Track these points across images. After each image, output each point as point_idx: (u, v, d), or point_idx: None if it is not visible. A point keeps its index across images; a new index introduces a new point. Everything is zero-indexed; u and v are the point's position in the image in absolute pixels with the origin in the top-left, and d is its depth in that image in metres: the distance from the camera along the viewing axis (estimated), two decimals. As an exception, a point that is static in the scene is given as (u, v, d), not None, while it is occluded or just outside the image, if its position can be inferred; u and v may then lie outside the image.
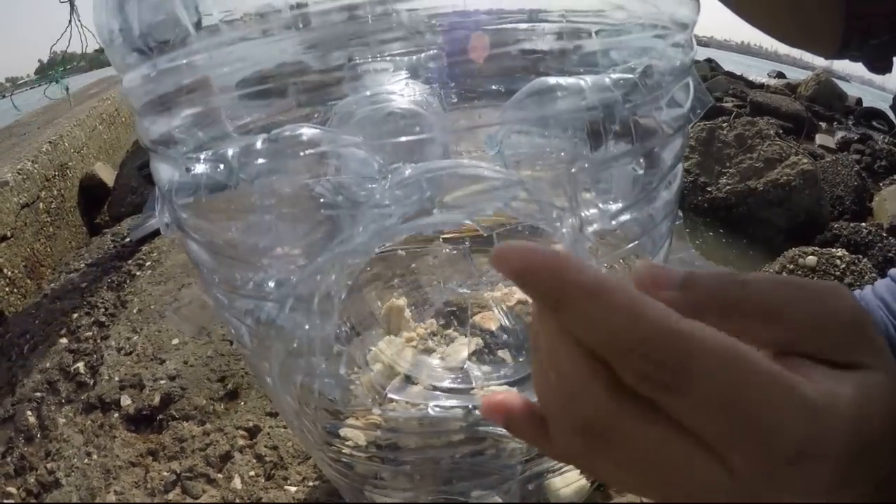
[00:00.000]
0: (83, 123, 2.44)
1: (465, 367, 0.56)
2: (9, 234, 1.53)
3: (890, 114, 4.08)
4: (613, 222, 0.36)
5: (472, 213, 0.33)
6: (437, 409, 0.50)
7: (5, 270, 1.47)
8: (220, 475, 0.78)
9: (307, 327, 0.36)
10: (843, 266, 1.45)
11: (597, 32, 0.36)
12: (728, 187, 2.20)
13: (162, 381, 0.95)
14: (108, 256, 1.52)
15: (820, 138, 3.32)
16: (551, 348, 0.18)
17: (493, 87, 0.37)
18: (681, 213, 0.48)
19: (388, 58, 0.34)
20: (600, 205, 0.36)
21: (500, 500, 0.50)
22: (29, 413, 0.96)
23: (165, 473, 0.80)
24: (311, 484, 0.75)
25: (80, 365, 1.05)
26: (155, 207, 0.42)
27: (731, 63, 6.94)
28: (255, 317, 0.40)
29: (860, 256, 1.52)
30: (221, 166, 0.33)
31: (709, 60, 5.81)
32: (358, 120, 0.33)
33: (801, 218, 2.11)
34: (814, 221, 2.11)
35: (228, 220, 0.38)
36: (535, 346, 0.19)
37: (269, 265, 0.38)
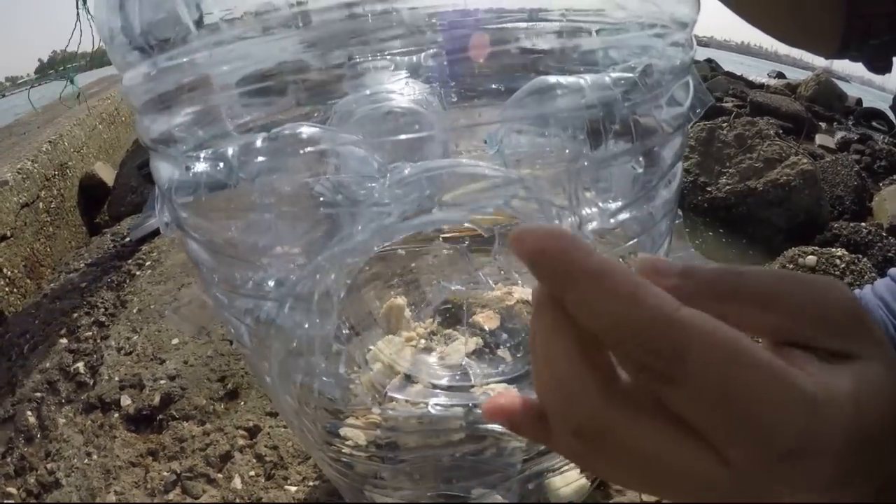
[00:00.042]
0: (83, 123, 2.44)
1: (464, 364, 0.56)
2: (8, 233, 1.53)
3: (890, 114, 4.08)
4: (613, 221, 0.36)
5: (472, 212, 0.33)
6: (438, 407, 0.50)
7: (5, 270, 1.47)
8: (220, 475, 0.78)
9: (307, 326, 0.36)
10: (843, 266, 1.46)
11: (597, 31, 0.36)
12: (728, 187, 2.20)
13: (162, 381, 0.95)
14: (108, 256, 1.52)
15: (820, 138, 3.32)
16: (547, 347, 0.18)
17: (493, 85, 0.37)
18: (680, 213, 0.48)
19: (388, 56, 0.34)
20: (600, 203, 0.36)
21: (501, 499, 0.50)
22: (29, 413, 0.96)
23: (165, 473, 0.80)
24: (311, 484, 0.75)
25: (80, 365, 1.05)
26: (155, 207, 0.42)
27: (731, 63, 6.94)
28: (255, 316, 0.40)
29: (860, 256, 1.52)
30: (221, 165, 0.33)
31: (709, 60, 5.81)
32: (358, 118, 0.33)
33: (800, 218, 2.11)
34: (813, 221, 2.12)
35: (228, 219, 0.38)
36: (534, 345, 0.19)
37: (269, 264, 0.38)
